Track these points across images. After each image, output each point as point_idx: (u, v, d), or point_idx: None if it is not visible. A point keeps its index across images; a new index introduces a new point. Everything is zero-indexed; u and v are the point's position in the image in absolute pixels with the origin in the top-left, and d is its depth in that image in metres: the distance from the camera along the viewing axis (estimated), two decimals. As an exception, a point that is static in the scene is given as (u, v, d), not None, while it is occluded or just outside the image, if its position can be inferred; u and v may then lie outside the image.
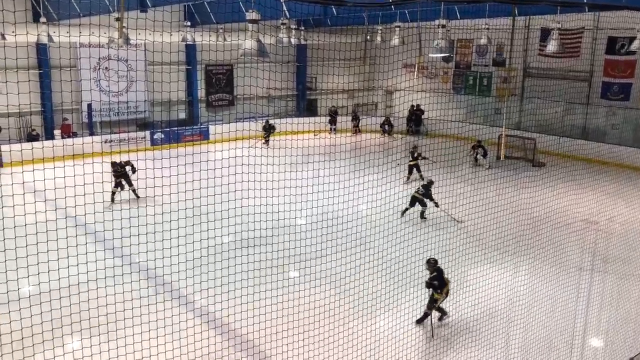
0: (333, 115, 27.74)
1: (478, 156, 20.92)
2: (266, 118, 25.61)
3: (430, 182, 14.65)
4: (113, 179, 15.47)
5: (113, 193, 15.40)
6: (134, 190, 15.82)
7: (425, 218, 14.79)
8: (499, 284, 10.28)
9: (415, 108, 27.06)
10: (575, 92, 22.85)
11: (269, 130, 24.66)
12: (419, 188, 14.94)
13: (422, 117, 26.57)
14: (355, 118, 27.75)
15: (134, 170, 15.73)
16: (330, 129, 27.35)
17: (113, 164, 15.62)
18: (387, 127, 27.33)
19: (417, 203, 14.71)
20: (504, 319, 9.60)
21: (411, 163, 18.48)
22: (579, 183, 15.02)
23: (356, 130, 27.36)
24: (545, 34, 21.70)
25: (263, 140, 24.51)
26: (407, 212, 14.74)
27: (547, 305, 10.21)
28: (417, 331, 9.01)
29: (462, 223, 13.73)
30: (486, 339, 8.94)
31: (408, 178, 18.13)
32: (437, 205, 14.34)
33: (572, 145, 19.55)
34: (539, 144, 21.23)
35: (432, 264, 9.50)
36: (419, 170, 18.34)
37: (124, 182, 15.74)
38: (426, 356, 8.35)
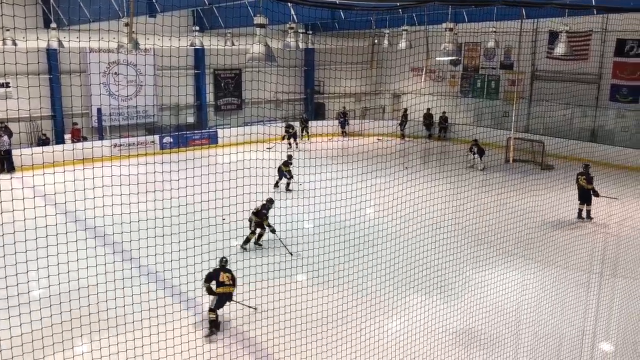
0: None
1: (475, 156, 20.71)
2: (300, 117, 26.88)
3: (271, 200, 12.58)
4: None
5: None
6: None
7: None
8: (507, 288, 10.24)
9: (441, 115, 26.95)
10: (584, 94, 22.73)
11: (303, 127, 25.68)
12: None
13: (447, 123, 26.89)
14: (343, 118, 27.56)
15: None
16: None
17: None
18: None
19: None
20: (512, 322, 9.55)
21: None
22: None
23: (343, 133, 27.16)
24: (553, 36, 21.62)
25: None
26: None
27: (556, 309, 10.15)
28: (424, 335, 8.99)
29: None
30: (494, 343, 8.91)
31: None
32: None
33: (581, 147, 19.44)
34: (547, 146, 21.16)
35: None
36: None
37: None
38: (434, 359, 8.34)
